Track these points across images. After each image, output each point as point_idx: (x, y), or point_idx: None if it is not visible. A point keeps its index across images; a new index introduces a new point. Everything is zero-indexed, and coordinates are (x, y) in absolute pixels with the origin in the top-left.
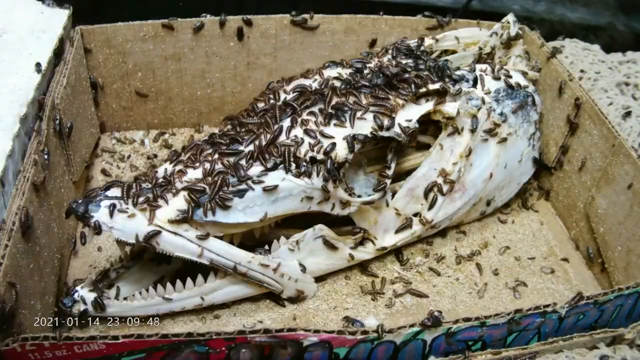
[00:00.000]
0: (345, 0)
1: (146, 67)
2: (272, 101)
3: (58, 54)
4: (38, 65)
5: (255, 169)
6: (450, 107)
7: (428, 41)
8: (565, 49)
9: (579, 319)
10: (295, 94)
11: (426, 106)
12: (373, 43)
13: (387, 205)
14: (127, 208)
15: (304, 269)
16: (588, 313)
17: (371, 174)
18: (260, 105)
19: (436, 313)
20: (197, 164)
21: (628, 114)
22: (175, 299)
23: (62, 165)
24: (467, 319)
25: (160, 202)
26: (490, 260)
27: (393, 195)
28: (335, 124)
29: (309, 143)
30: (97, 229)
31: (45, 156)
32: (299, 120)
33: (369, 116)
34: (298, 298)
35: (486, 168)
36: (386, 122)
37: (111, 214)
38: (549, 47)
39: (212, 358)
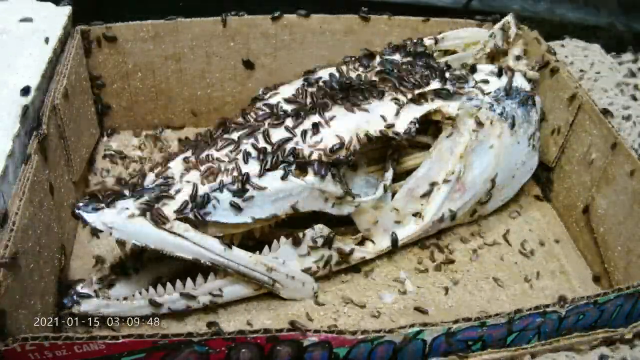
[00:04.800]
0: (345, 0)
1: (146, 67)
2: (271, 102)
3: (58, 54)
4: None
5: (256, 169)
6: (450, 108)
7: (428, 41)
8: (565, 49)
9: (579, 319)
10: (294, 94)
11: (426, 106)
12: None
13: (387, 205)
14: (127, 208)
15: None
16: (588, 313)
17: (371, 174)
18: (260, 105)
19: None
20: (197, 165)
21: (628, 118)
22: (176, 299)
23: (62, 165)
24: (467, 319)
25: (161, 202)
26: (490, 260)
27: (393, 195)
28: (335, 124)
29: (309, 143)
30: (97, 229)
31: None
32: (299, 120)
33: (370, 116)
34: (298, 298)
35: (486, 168)
36: (386, 121)
37: (111, 214)
38: (549, 48)
39: (212, 358)
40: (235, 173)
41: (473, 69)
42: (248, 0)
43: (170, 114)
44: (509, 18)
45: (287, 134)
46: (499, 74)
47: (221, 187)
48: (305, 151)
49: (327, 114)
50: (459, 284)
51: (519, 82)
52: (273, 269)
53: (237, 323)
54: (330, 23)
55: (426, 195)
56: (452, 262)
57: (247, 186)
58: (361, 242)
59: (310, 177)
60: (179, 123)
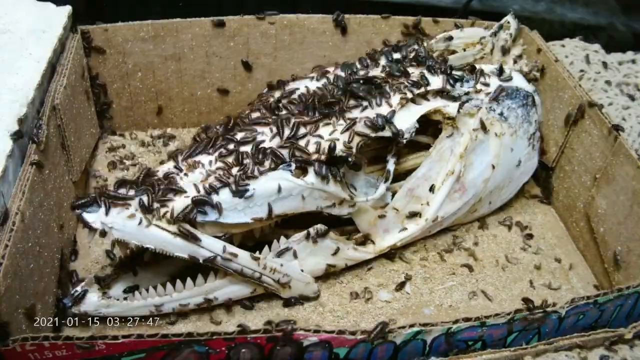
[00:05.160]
0: (345, 0)
1: (146, 67)
2: (271, 103)
3: (58, 54)
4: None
5: (256, 169)
6: (450, 107)
7: (428, 41)
8: (565, 49)
9: (579, 319)
10: (294, 95)
11: (426, 106)
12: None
13: (387, 205)
14: (127, 208)
15: (303, 269)
16: (588, 313)
17: (371, 174)
18: (260, 105)
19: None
20: (197, 165)
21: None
22: (175, 299)
23: (62, 165)
24: (467, 319)
25: (161, 202)
26: (490, 260)
27: (393, 195)
28: (335, 125)
29: (309, 143)
30: (97, 229)
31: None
32: (299, 120)
33: (369, 116)
34: (298, 298)
35: (486, 168)
36: (385, 122)
37: (111, 214)
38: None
39: (212, 358)
40: (235, 173)
41: (473, 69)
42: (248, 0)
43: (170, 114)
44: (509, 18)
45: (288, 134)
46: (499, 74)
47: (221, 187)
48: (305, 151)
49: (327, 115)
50: (459, 283)
51: (519, 82)
52: (273, 269)
53: (237, 323)
54: (330, 23)
55: (426, 195)
56: (452, 262)
57: (247, 186)
58: (361, 242)
59: (310, 177)
60: (179, 123)
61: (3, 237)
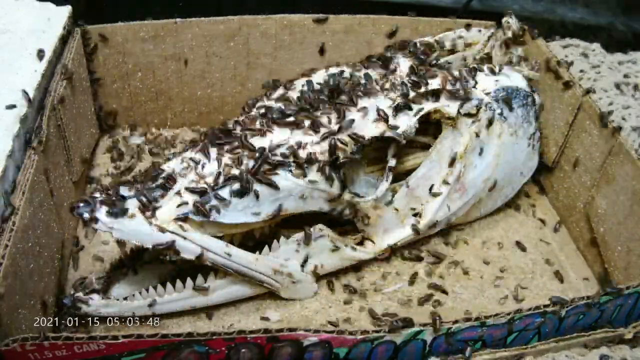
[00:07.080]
0: (345, 0)
1: (146, 67)
2: (271, 102)
3: (58, 54)
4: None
5: (255, 170)
6: (450, 107)
7: (428, 41)
8: (565, 49)
9: (579, 319)
10: (294, 94)
11: (426, 106)
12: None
13: (387, 205)
14: (127, 208)
15: (303, 269)
16: (588, 313)
17: (371, 174)
18: (259, 104)
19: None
20: (198, 164)
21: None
22: (175, 299)
23: (62, 165)
24: (467, 319)
25: (161, 202)
26: (490, 261)
27: (393, 195)
28: (335, 124)
29: (309, 143)
30: (97, 229)
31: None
32: (299, 120)
33: (370, 116)
34: (298, 298)
35: (486, 168)
36: (384, 124)
37: (111, 214)
38: (552, 53)
39: (212, 358)
40: (235, 173)
41: (473, 69)
42: (248, 1)
43: (170, 114)
44: (509, 18)
45: (287, 134)
46: (499, 74)
47: (221, 187)
48: (305, 151)
49: (327, 114)
50: (459, 284)
51: (519, 82)
52: (273, 269)
53: (236, 323)
54: (331, 23)
55: (426, 195)
56: (452, 262)
57: (247, 186)
58: (361, 242)
59: (311, 177)
60: (179, 123)
61: (3, 237)
